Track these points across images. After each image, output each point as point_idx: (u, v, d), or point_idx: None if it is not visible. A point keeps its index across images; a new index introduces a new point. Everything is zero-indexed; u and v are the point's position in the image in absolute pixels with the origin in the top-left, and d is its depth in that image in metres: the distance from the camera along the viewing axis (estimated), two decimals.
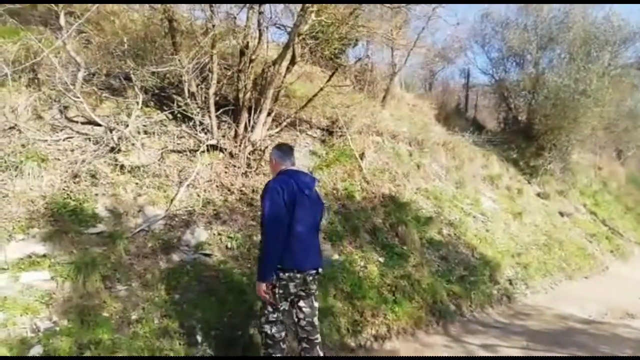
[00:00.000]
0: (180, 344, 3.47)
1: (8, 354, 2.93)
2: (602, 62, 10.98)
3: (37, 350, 3.04)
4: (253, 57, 5.47)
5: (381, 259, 5.46)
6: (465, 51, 14.64)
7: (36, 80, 4.78)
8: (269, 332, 3.18)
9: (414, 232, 6.16)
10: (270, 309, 3.17)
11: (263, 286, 3.09)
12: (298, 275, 3.15)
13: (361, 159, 6.85)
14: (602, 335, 5.25)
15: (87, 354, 3.11)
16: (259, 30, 5.52)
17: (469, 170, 9.04)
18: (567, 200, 10.88)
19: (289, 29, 5.78)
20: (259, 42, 5.51)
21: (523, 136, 12.00)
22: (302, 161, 6.24)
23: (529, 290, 6.75)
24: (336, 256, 5.16)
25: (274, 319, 3.18)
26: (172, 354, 3.34)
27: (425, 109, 11.35)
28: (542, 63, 12.05)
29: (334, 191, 6.05)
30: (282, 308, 3.20)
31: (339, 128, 7.05)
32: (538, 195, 10.33)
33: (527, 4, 12.14)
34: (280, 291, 3.13)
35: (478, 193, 8.57)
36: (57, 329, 3.24)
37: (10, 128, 4.27)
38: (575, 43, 11.02)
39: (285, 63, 5.79)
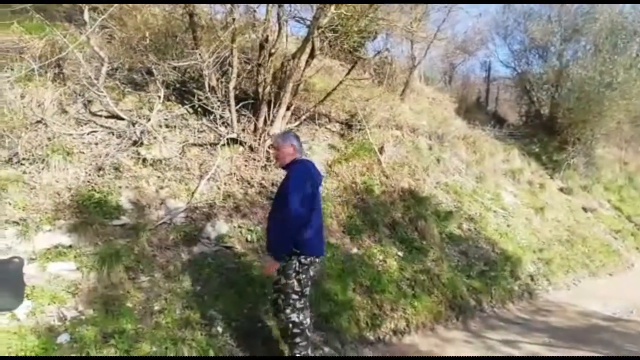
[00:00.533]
0: (201, 335, 3.52)
1: (37, 342, 3.02)
2: (630, 53, 10.65)
3: (64, 338, 3.12)
4: (272, 50, 5.49)
5: (400, 253, 5.43)
6: (487, 43, 14.39)
7: (61, 75, 4.88)
8: (296, 320, 3.24)
9: (434, 226, 6.11)
10: (295, 296, 3.24)
11: (277, 264, 3.23)
12: (317, 260, 3.35)
13: (380, 153, 6.81)
14: (628, 334, 5.13)
15: (112, 342, 3.18)
16: (279, 23, 5.53)
17: (490, 165, 8.90)
18: (591, 196, 10.63)
19: (308, 22, 5.78)
20: (278, 36, 5.52)
21: (546, 130, 11.77)
22: (321, 155, 6.25)
23: (551, 286, 6.64)
24: (355, 250, 5.16)
25: (301, 306, 3.27)
26: (194, 345, 3.39)
27: (445, 102, 11.22)
28: (566, 55, 11.76)
29: (353, 185, 6.04)
30: (307, 293, 3.32)
31: (358, 122, 7.02)
32: (561, 190, 10.13)
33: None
34: (303, 276, 3.24)
35: (499, 187, 8.44)
36: (83, 318, 3.32)
37: (36, 122, 4.37)
38: (602, 34, 10.71)
39: (304, 56, 5.79)
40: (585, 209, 9.78)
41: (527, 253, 6.94)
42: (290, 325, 3.24)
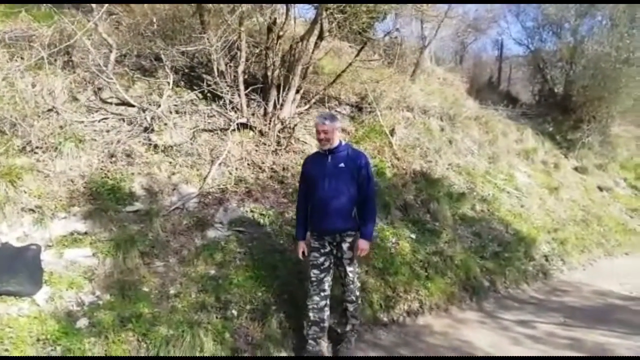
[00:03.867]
0: (217, 318, 3.57)
1: (57, 326, 3.08)
2: None
3: (83, 323, 3.18)
4: (281, 33, 5.42)
5: (413, 236, 5.42)
6: (499, 21, 14.07)
7: (71, 63, 4.89)
8: (359, 285, 3.77)
9: (446, 208, 6.07)
10: (357, 264, 3.70)
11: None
12: None
13: (391, 135, 6.75)
14: None
15: (129, 326, 3.23)
16: (286, 5, 5.45)
17: (503, 145, 8.79)
18: (607, 175, 10.46)
19: (316, 4, 5.68)
20: (286, 18, 5.44)
21: (560, 109, 11.53)
22: None
23: (566, 266, 6.59)
24: None
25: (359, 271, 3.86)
26: (209, 328, 3.42)
27: (456, 82, 11.05)
28: (581, 31, 11.41)
29: None
30: None
31: (369, 104, 6.95)
32: (575, 169, 9.98)
33: None
34: None
35: (512, 168, 8.34)
36: (100, 302, 3.38)
37: (48, 110, 4.39)
38: (619, 7, 10.39)
39: (313, 39, 5.72)
40: (600, 188, 9.64)
41: (541, 233, 6.87)
42: (357, 291, 3.68)
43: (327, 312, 3.59)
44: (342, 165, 3.53)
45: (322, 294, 3.56)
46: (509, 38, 28.14)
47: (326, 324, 3.59)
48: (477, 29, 14.07)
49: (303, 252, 3.69)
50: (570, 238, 7.13)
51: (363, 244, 3.55)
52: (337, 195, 3.51)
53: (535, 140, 9.90)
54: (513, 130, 9.68)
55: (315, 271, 3.58)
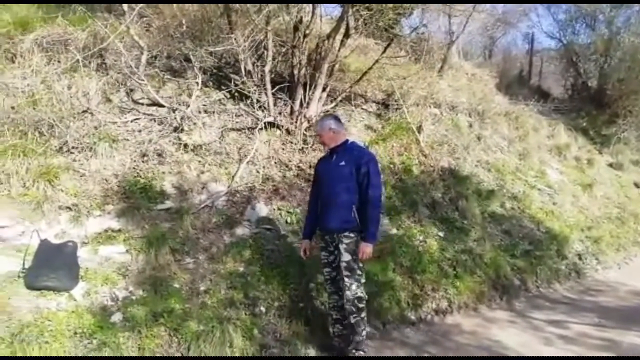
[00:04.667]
0: (245, 314, 3.63)
1: (92, 320, 3.19)
2: None
3: (117, 317, 3.28)
4: (307, 32, 5.44)
5: (441, 234, 5.36)
6: (529, 14, 13.71)
7: (104, 65, 5.04)
8: (362, 295, 3.40)
9: (475, 205, 5.99)
10: (360, 272, 3.42)
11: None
12: None
13: (418, 132, 6.68)
14: None
15: (161, 321, 3.31)
16: (312, 4, 5.46)
17: (534, 141, 8.59)
18: None
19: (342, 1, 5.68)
20: (312, 16, 5.45)
21: (593, 103, 11.20)
22: (357, 136, 6.18)
23: (600, 265, 6.41)
24: (394, 230, 5.13)
25: (363, 281, 3.46)
26: (238, 323, 3.48)
27: (485, 77, 10.82)
28: (616, 22, 11.06)
29: (391, 165, 5.97)
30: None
31: (395, 101, 6.90)
32: (610, 165, 9.67)
33: None
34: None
35: (544, 164, 8.15)
36: (134, 298, 3.48)
37: (83, 111, 4.54)
38: None
39: (339, 36, 5.71)
40: (637, 185, 9.32)
41: (574, 231, 6.70)
42: (356, 301, 3.37)
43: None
44: (342, 163, 3.47)
45: (340, 292, 3.52)
46: (540, 31, 27.42)
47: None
48: (507, 23, 13.77)
49: (305, 251, 3.68)
50: (605, 236, 6.93)
51: (364, 247, 3.36)
52: (335, 193, 3.45)
53: (567, 135, 9.63)
54: (544, 126, 9.44)
55: (327, 269, 3.57)
